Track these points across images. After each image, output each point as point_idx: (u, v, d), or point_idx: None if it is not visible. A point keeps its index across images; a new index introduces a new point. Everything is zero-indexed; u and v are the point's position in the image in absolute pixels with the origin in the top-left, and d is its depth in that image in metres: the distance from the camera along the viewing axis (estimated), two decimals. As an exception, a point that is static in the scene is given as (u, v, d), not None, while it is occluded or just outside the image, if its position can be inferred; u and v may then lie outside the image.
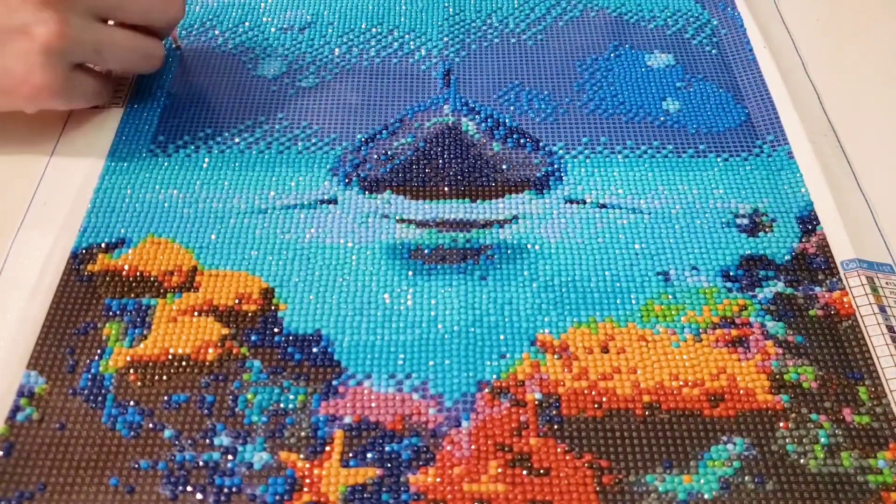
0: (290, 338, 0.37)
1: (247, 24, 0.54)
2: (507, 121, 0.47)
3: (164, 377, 0.36)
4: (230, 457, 0.33)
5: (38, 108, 0.42)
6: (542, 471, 0.33)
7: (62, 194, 0.43)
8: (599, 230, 0.42)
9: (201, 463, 0.33)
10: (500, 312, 0.38)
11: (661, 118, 0.48)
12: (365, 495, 0.32)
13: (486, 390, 0.35)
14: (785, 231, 0.42)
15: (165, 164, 0.45)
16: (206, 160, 0.45)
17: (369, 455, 0.33)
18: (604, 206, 0.43)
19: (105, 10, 0.42)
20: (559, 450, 0.34)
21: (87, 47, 0.42)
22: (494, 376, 0.36)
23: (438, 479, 0.33)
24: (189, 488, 0.32)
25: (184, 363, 0.36)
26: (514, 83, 0.50)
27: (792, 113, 0.48)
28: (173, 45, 0.51)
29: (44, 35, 0.39)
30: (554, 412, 0.35)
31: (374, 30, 0.53)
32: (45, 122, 0.47)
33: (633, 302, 0.39)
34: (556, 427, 0.34)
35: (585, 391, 0.35)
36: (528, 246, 0.41)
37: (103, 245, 0.41)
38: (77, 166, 0.44)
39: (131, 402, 0.35)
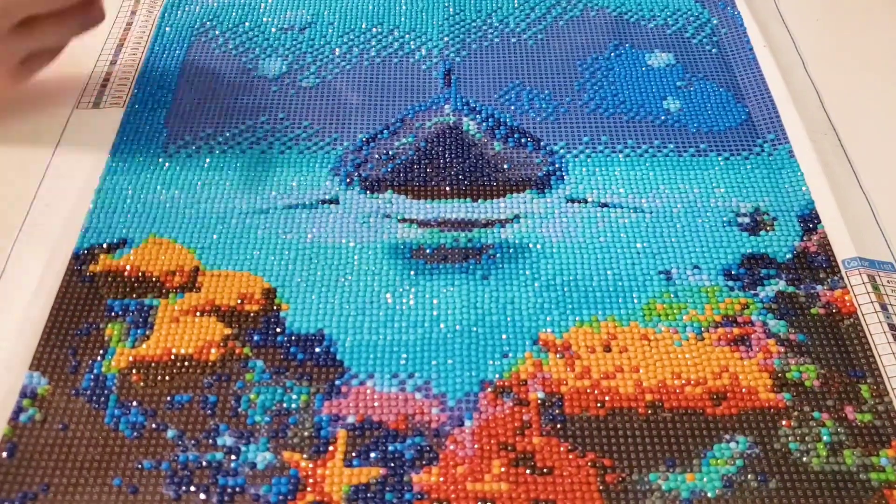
0: (293, 338, 0.37)
1: (247, 24, 0.54)
2: (508, 120, 0.47)
3: (167, 377, 0.36)
4: (233, 457, 0.33)
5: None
6: (545, 470, 0.33)
7: (64, 195, 0.43)
8: (601, 229, 0.42)
9: (204, 463, 0.33)
10: (503, 312, 0.38)
11: (662, 117, 0.48)
12: (368, 495, 0.32)
13: (489, 389, 0.35)
14: (786, 230, 0.42)
15: (167, 164, 0.45)
16: (208, 160, 0.45)
17: (372, 455, 0.33)
18: (605, 205, 0.43)
19: (17, 15, 0.41)
20: (562, 449, 0.34)
21: (20, 52, 0.42)
22: (497, 375, 0.36)
23: (442, 479, 0.33)
24: (192, 488, 0.32)
25: (186, 363, 0.36)
26: (515, 83, 0.50)
27: (792, 112, 0.48)
28: None
29: None
30: (557, 411, 0.35)
31: (374, 30, 0.53)
32: (46, 122, 0.47)
33: (636, 301, 0.39)
34: (559, 426, 0.34)
35: (588, 390, 0.35)
36: (530, 245, 0.41)
37: (105, 245, 0.41)
38: (78, 167, 0.44)
39: (134, 403, 0.35)
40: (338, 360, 0.36)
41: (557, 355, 0.37)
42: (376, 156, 0.45)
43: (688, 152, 0.46)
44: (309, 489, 0.32)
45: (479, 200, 0.43)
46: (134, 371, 0.36)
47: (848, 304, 0.38)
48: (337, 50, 0.52)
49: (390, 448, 0.34)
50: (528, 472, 0.33)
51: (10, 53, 0.42)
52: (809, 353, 0.37)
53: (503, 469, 0.33)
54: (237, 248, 0.41)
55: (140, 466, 0.33)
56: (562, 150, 0.46)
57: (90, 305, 0.38)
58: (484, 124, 0.47)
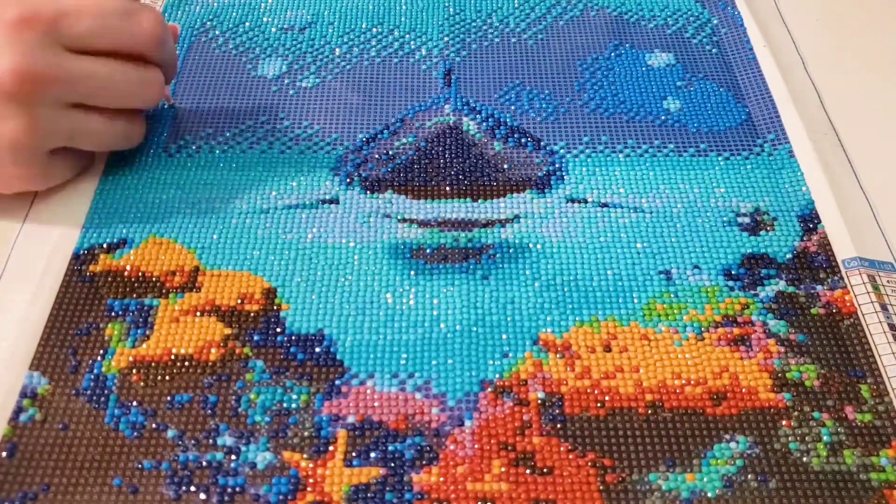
0: (293, 338, 0.37)
1: (247, 24, 0.54)
2: (508, 120, 0.47)
3: (167, 377, 0.36)
4: (233, 457, 0.33)
5: (15, 192, 0.41)
6: (545, 470, 0.33)
7: (63, 195, 0.43)
8: (601, 229, 0.42)
9: (205, 463, 0.33)
10: (503, 311, 0.38)
11: (662, 117, 0.48)
12: (368, 495, 0.32)
13: (489, 389, 0.35)
14: (786, 230, 0.42)
15: (167, 164, 0.45)
16: (208, 160, 0.45)
17: (373, 455, 0.33)
18: (605, 205, 0.43)
19: (77, 98, 0.38)
20: (562, 449, 0.34)
21: (59, 137, 0.39)
22: (497, 375, 0.36)
23: (442, 479, 0.33)
24: (192, 488, 0.32)
25: (186, 363, 0.36)
26: (515, 82, 0.50)
27: (792, 111, 0.48)
28: (166, 105, 0.48)
29: (11, 132, 0.36)
30: (557, 411, 0.35)
31: (374, 29, 0.53)
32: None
33: (636, 301, 0.39)
34: (559, 426, 0.34)
35: (588, 390, 0.35)
36: (530, 245, 0.41)
37: (105, 245, 0.41)
38: (78, 167, 0.44)
39: (134, 403, 0.35)
40: (338, 360, 0.36)
41: (557, 355, 0.37)
42: (376, 156, 0.45)
43: (688, 152, 0.46)
44: (309, 489, 0.32)
45: (479, 200, 0.43)
46: (134, 371, 0.36)
47: (848, 304, 0.38)
48: (337, 50, 0.52)
49: (390, 448, 0.34)
50: (528, 472, 0.33)
51: (48, 135, 0.38)
52: (809, 353, 0.37)
53: (503, 469, 0.33)
54: (237, 248, 0.41)
55: (140, 466, 0.33)
56: (562, 150, 0.46)
57: (90, 305, 0.38)
58: (484, 124, 0.47)
